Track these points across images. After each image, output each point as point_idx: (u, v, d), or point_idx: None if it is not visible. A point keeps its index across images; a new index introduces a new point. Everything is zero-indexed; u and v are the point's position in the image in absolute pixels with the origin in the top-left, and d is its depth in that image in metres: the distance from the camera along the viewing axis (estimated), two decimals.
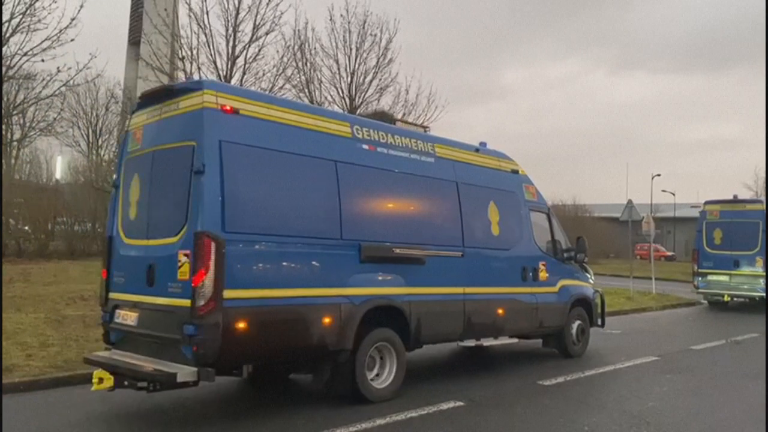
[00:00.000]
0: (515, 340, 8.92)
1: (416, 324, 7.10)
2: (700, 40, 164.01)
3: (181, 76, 18.80)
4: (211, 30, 18.02)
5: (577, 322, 9.72)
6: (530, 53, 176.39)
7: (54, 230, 28.87)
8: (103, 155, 36.50)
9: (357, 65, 23.01)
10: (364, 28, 22.81)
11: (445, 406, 6.47)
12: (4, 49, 14.34)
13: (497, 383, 7.73)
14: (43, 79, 17.19)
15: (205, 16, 17.85)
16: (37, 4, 14.76)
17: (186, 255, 5.56)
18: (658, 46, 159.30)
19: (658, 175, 57.17)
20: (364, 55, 22.98)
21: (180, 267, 5.60)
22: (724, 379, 8.32)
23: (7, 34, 14.48)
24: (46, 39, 14.74)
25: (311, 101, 22.87)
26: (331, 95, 23.47)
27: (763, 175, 54.43)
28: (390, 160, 7.28)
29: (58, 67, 15.57)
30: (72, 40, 14.94)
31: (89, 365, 6.46)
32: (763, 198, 23.02)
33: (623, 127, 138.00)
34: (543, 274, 9.13)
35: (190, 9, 17.91)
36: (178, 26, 20.39)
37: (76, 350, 8.37)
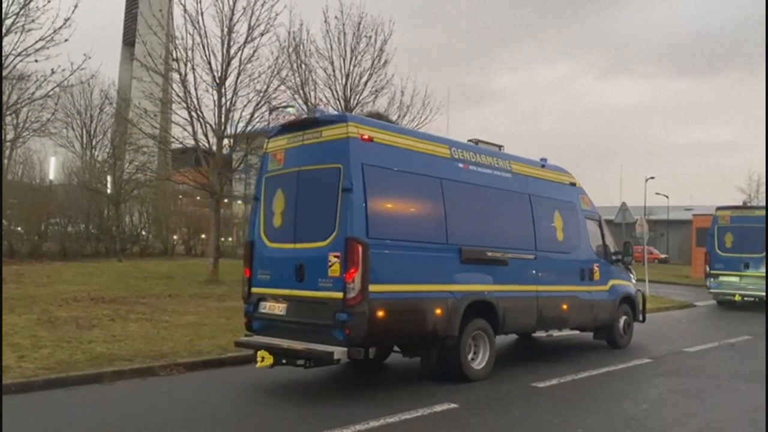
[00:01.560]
0: (576, 332, 10.51)
1: (503, 316, 8.29)
2: (688, 46, 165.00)
3: (175, 77, 18.79)
4: (206, 31, 18.06)
5: (624, 317, 10.93)
6: (521, 57, 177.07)
7: (47, 231, 28.75)
8: (97, 156, 36.36)
9: (352, 67, 23.00)
10: (359, 29, 22.80)
11: (438, 407, 6.46)
12: None
13: (491, 385, 7.72)
14: (37, 80, 17.15)
15: (200, 17, 17.90)
16: (32, 5, 14.76)
17: (336, 256, 6.82)
18: (646, 51, 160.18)
19: (652, 177, 57.49)
20: (359, 56, 22.96)
21: (331, 266, 6.85)
22: (718, 381, 8.35)
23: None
24: (40, 39, 14.73)
25: (306, 103, 22.87)
26: (326, 97, 23.46)
27: (757, 178, 54.76)
28: (479, 176, 8.54)
29: (52, 68, 15.54)
30: (66, 40, 14.91)
31: (241, 348, 7.78)
32: None
33: (615, 130, 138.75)
34: (597, 275, 10.32)
35: (185, 10, 17.94)
36: (173, 27, 20.37)
37: (69, 352, 8.34)
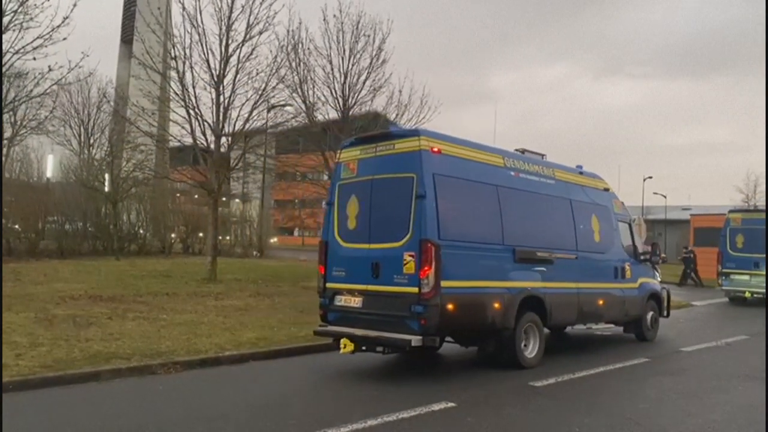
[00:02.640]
0: (611, 326, 11.39)
1: (550, 311, 9.08)
2: (687, 46, 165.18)
3: (174, 75, 18.76)
4: (204, 29, 17.98)
5: (651, 313, 11.78)
6: (520, 57, 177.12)
7: (44, 229, 28.68)
8: (95, 154, 36.28)
9: (350, 65, 22.97)
10: (357, 28, 22.78)
11: (436, 406, 6.46)
12: None
13: (489, 384, 7.73)
14: (35, 77, 17.10)
15: (199, 15, 17.84)
16: (30, 2, 14.71)
17: (411, 255, 7.64)
18: (645, 51, 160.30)
19: (650, 177, 57.66)
20: (358, 55, 22.93)
21: (405, 264, 7.67)
22: (715, 380, 8.36)
23: None
24: (38, 37, 14.67)
25: (304, 101, 22.85)
26: (324, 95, 23.44)
27: (755, 178, 54.85)
28: (528, 183, 9.36)
29: (50, 66, 15.49)
30: (64, 38, 14.86)
31: (319, 336, 8.69)
32: None
33: (614, 131, 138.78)
34: (628, 273, 11.13)
35: (184, 8, 17.88)
36: (171, 25, 20.31)
37: (66, 350, 8.32)
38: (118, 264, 23.76)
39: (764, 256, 18.30)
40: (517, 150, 9.89)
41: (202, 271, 19.09)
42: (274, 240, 46.45)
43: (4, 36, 14.61)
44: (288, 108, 23.02)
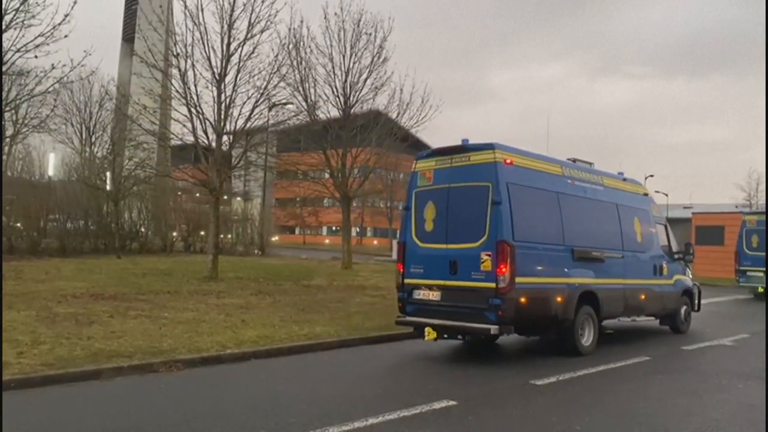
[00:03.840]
0: (652, 319, 12.31)
1: (602, 304, 10.05)
2: (686, 45, 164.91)
3: (175, 74, 18.76)
4: (205, 27, 17.98)
5: (684, 307, 12.78)
6: (519, 56, 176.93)
7: (46, 227, 28.71)
8: (96, 152, 36.29)
9: (352, 64, 23.05)
10: (358, 26, 22.86)
11: (437, 405, 6.47)
12: None
13: (490, 382, 7.74)
14: (37, 76, 17.11)
15: (200, 13, 17.84)
16: (31, 0, 14.69)
17: (488, 255, 8.62)
18: (645, 50, 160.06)
19: (651, 176, 57.49)
20: (359, 53, 23.02)
21: (483, 262, 8.66)
22: (716, 379, 8.35)
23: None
24: (39, 35, 14.70)
25: (305, 100, 22.88)
26: (325, 94, 23.50)
27: (756, 176, 54.76)
28: (582, 190, 10.40)
29: (52, 64, 15.51)
30: (66, 36, 14.88)
31: (400, 326, 9.85)
32: None
33: (615, 129, 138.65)
34: (665, 270, 12.16)
35: (185, 6, 17.87)
36: (172, 23, 20.31)
37: (68, 348, 8.34)
38: (120, 262, 23.79)
39: None
40: (569, 159, 10.87)
41: (204, 270, 19.11)
42: (275, 238, 46.47)
43: (5, 34, 14.62)
44: (289, 106, 23.06)
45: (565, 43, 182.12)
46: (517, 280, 8.56)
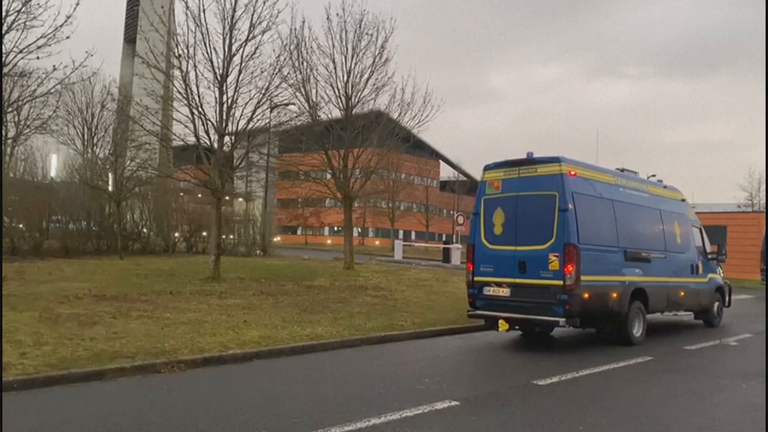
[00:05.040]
0: (690, 314, 13.26)
1: (650, 300, 11.17)
2: (686, 45, 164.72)
3: (177, 74, 18.76)
4: (207, 28, 17.97)
5: (717, 303, 14.00)
6: (518, 57, 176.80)
7: (48, 228, 28.72)
8: (98, 153, 36.29)
9: (353, 64, 23.00)
10: (360, 27, 22.81)
11: (439, 405, 6.47)
12: None
13: (492, 383, 7.74)
14: (39, 77, 17.12)
15: (202, 14, 17.82)
16: (33, 2, 14.70)
17: (555, 256, 9.75)
18: (645, 50, 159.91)
19: (653, 175, 57.30)
20: (361, 54, 22.96)
21: (550, 262, 9.78)
22: (718, 379, 8.35)
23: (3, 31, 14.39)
24: (41, 37, 14.67)
25: (307, 100, 22.86)
26: (327, 94, 23.46)
27: (758, 176, 54.66)
28: (631, 197, 11.49)
29: (54, 65, 15.52)
30: (67, 37, 14.87)
31: (473, 318, 11.09)
32: None
33: (613, 129, 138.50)
34: (700, 269, 13.24)
35: (187, 7, 17.86)
36: (174, 24, 20.32)
37: (70, 348, 8.36)
38: (122, 263, 23.82)
39: None
40: (617, 169, 12.01)
41: (206, 270, 19.12)
42: (277, 239, 46.39)
43: (7, 36, 14.63)
44: (291, 107, 23.03)
45: (564, 44, 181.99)
46: (583, 278, 9.69)
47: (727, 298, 14.52)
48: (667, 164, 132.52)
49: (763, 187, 52.27)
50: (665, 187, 13.19)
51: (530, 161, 10.45)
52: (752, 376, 8.45)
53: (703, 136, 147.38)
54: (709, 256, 13.82)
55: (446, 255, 34.28)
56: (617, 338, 10.69)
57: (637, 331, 10.89)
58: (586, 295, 9.80)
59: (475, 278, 10.75)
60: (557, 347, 11.05)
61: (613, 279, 10.50)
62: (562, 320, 9.66)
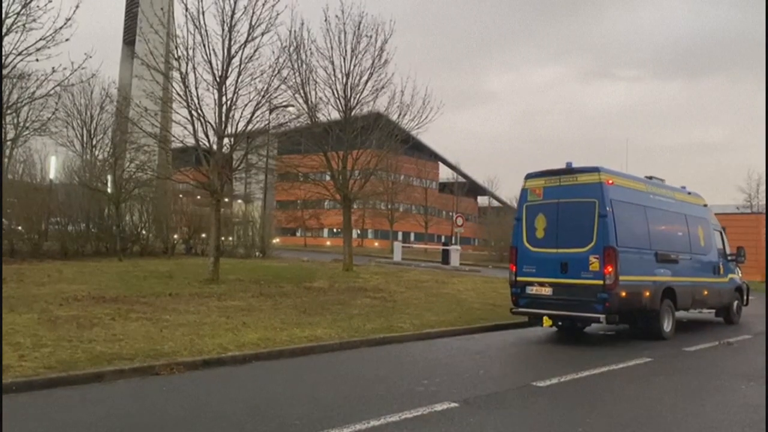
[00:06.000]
0: (712, 312, 14.53)
1: (678, 298, 12.06)
2: (685, 46, 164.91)
3: (176, 76, 18.76)
4: (206, 30, 17.97)
5: (736, 301, 15.00)
6: (517, 59, 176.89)
7: (47, 230, 28.69)
8: (98, 155, 36.28)
9: (352, 66, 23.02)
10: (359, 29, 22.82)
11: (439, 407, 6.47)
12: None
13: (492, 384, 7.73)
14: (38, 79, 17.09)
15: (201, 16, 17.83)
16: (32, 4, 14.70)
17: (595, 258, 10.62)
18: (645, 51, 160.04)
19: (651, 177, 57.37)
20: (360, 56, 22.98)
21: (591, 264, 10.65)
22: (718, 380, 8.36)
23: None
24: (41, 39, 14.67)
25: (306, 102, 22.87)
26: (326, 96, 23.48)
27: (757, 177, 54.67)
28: (661, 203, 12.47)
29: (53, 67, 15.51)
30: (67, 39, 14.87)
31: (517, 315, 11.91)
32: None
33: (612, 131, 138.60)
34: (721, 270, 14.19)
35: (186, 9, 17.87)
36: (174, 26, 20.31)
37: (69, 351, 8.34)
38: (121, 265, 23.79)
39: None
40: (646, 177, 12.72)
41: (205, 272, 19.10)
42: (276, 240, 46.40)
43: (7, 38, 14.63)
44: (290, 109, 23.04)
45: (563, 45, 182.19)
46: (621, 278, 10.54)
47: (745, 297, 15.37)
48: (666, 165, 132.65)
49: (762, 188, 52.25)
50: (689, 193, 14.05)
51: (570, 171, 11.30)
52: (751, 377, 8.45)
53: (701, 137, 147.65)
54: (729, 258, 14.70)
55: (445, 256, 34.27)
56: (649, 333, 11.49)
57: (667, 326, 11.69)
58: (624, 294, 10.62)
59: (518, 278, 11.58)
60: (557, 349, 11.05)
61: (647, 279, 11.35)
62: (602, 316, 10.47)
